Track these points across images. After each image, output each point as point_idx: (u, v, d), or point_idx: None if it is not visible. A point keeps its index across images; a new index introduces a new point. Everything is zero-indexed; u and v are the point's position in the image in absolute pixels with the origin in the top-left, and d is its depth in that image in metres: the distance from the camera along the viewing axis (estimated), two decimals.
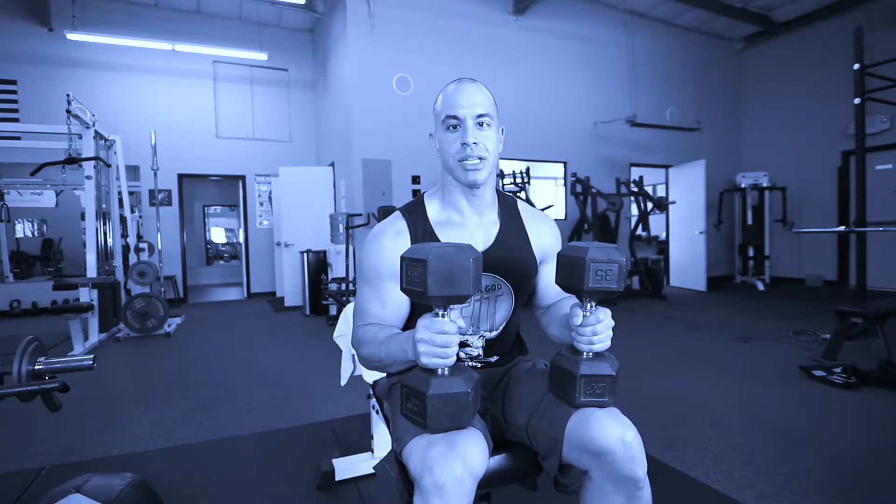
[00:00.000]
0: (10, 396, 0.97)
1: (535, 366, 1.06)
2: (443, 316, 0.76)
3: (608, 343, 0.83)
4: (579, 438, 0.81)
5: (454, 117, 0.92)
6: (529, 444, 0.96)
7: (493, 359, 1.05)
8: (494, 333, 1.03)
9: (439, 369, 0.76)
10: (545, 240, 1.07)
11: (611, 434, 0.78)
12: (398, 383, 0.88)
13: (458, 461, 0.73)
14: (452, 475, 0.71)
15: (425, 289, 0.72)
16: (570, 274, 0.81)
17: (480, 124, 0.93)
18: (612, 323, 0.83)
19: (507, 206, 1.07)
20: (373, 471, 1.75)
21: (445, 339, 0.74)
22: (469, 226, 1.01)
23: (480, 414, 0.99)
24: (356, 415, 2.38)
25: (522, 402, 0.97)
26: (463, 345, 1.02)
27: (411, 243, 0.97)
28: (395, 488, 0.86)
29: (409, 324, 1.01)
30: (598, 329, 0.81)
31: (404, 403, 0.79)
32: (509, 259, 1.01)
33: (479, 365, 1.04)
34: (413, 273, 0.74)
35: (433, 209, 1.03)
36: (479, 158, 0.93)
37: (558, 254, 0.84)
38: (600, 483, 0.82)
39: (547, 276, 1.06)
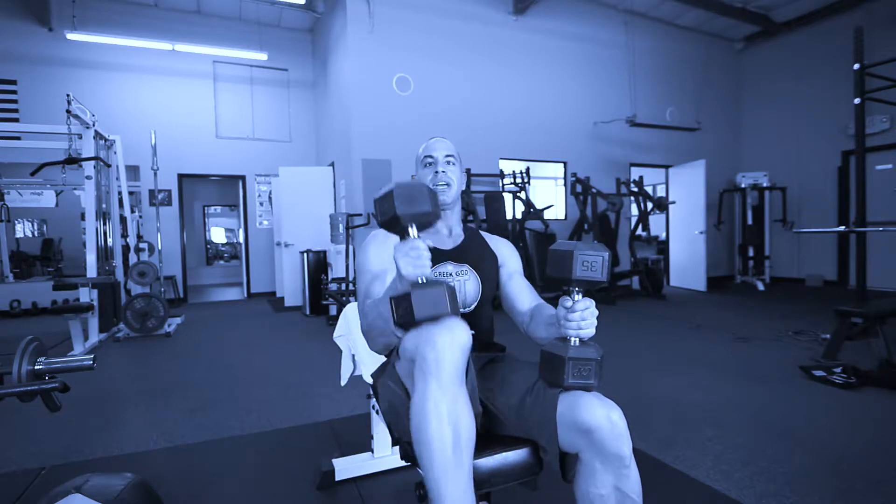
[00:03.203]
0: (10, 396, 0.97)
1: (524, 361, 1.18)
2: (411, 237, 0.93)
3: (593, 330, 0.94)
4: (569, 420, 0.90)
5: (430, 156, 1.26)
6: (522, 429, 1.00)
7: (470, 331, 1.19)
8: (468, 309, 1.22)
9: (419, 279, 0.89)
10: (503, 250, 1.35)
11: (597, 413, 0.88)
12: (390, 365, 1.07)
13: (448, 333, 0.85)
14: (443, 340, 0.84)
15: (394, 210, 0.89)
16: (560, 266, 0.92)
17: (448, 162, 1.25)
18: (597, 312, 0.95)
19: (471, 230, 1.37)
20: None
21: (417, 252, 0.90)
22: (441, 233, 1.29)
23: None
24: (356, 415, 2.38)
25: (514, 386, 1.05)
26: None
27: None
28: (395, 398, 0.98)
29: None
30: (585, 315, 0.93)
31: (395, 313, 0.89)
32: (472, 253, 1.28)
33: None
34: (385, 205, 0.90)
35: None
36: (447, 184, 1.24)
37: (549, 248, 0.96)
38: (590, 463, 0.90)
39: (516, 281, 1.29)
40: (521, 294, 1.26)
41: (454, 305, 0.89)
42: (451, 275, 1.22)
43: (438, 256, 1.22)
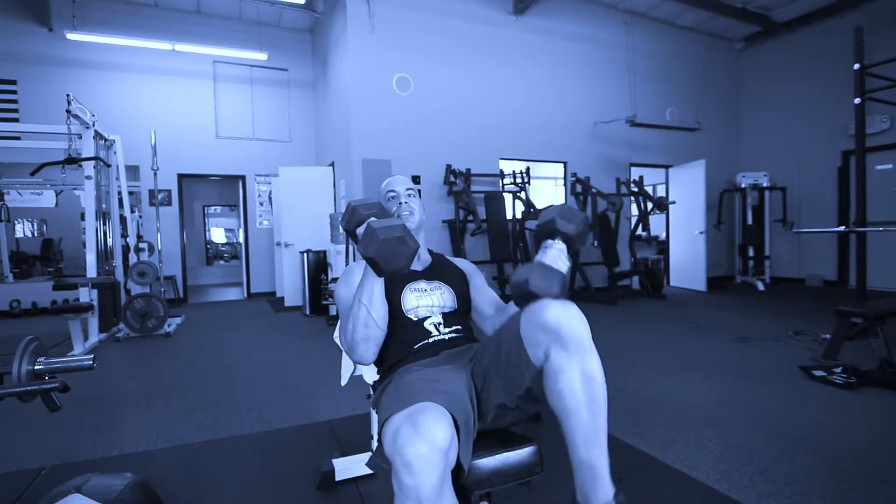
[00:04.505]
0: (10, 396, 0.97)
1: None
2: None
3: (564, 268, 1.16)
4: (530, 327, 1.01)
5: (393, 191, 1.43)
6: (502, 371, 1.06)
7: (453, 327, 1.33)
8: (448, 309, 1.36)
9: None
10: (467, 267, 1.52)
11: (554, 308, 0.99)
12: (388, 385, 1.19)
13: (423, 442, 0.83)
14: (418, 454, 0.82)
15: (358, 212, 1.18)
16: (548, 216, 1.21)
17: (409, 194, 1.43)
18: (567, 261, 1.19)
19: (436, 254, 1.54)
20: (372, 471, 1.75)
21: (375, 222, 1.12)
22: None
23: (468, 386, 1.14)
24: (356, 415, 2.38)
25: (489, 344, 1.15)
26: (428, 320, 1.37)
27: None
28: (387, 477, 0.95)
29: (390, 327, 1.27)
30: (557, 252, 1.19)
31: (360, 247, 1.04)
32: (442, 271, 1.44)
33: (446, 337, 1.33)
34: (348, 214, 1.20)
35: None
36: (410, 212, 1.39)
37: (541, 209, 1.28)
38: (556, 358, 0.98)
39: (483, 293, 1.45)
40: (487, 300, 1.43)
41: (409, 236, 1.03)
42: (425, 290, 1.35)
43: (411, 275, 1.36)
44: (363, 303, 1.13)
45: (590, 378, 0.97)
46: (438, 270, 1.43)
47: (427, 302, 1.33)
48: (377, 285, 1.14)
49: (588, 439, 0.96)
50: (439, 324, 1.31)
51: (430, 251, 1.54)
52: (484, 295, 1.44)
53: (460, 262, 1.54)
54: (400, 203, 1.41)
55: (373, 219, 1.15)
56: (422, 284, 1.36)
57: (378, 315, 1.15)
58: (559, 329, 0.97)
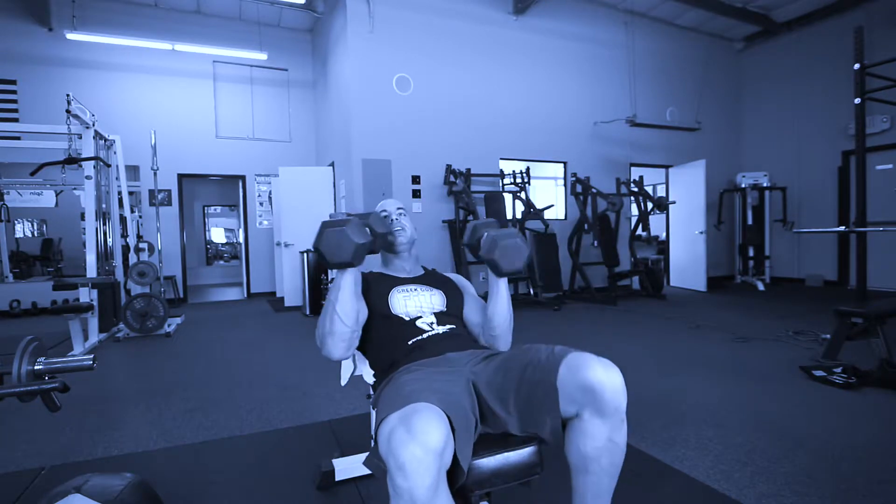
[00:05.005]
0: (10, 396, 0.97)
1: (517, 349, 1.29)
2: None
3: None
4: (570, 382, 0.99)
5: (385, 210, 1.52)
6: (523, 408, 1.04)
7: (447, 326, 1.35)
8: (438, 309, 1.39)
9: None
10: (459, 280, 1.58)
11: (599, 371, 0.98)
12: (386, 384, 1.19)
13: (416, 445, 0.82)
14: (411, 456, 0.81)
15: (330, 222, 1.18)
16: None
17: (400, 213, 1.52)
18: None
19: (429, 269, 1.60)
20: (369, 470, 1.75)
21: None
22: (404, 270, 1.51)
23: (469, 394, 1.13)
24: (356, 415, 2.38)
25: (510, 363, 1.13)
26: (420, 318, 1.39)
27: (363, 282, 1.40)
28: (383, 476, 0.95)
29: (367, 335, 1.34)
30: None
31: (315, 246, 1.10)
32: (434, 278, 1.51)
33: (441, 331, 1.34)
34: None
35: (377, 267, 1.56)
36: (402, 228, 1.48)
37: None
38: (589, 419, 0.99)
39: (472, 301, 1.49)
40: (476, 310, 1.46)
41: (357, 232, 1.07)
42: (414, 290, 1.40)
43: (400, 280, 1.44)
44: (331, 298, 1.19)
45: (616, 446, 1.00)
46: (430, 278, 1.50)
47: (416, 302, 1.37)
48: (344, 282, 1.17)
49: (598, 499, 1.03)
50: (432, 322, 1.33)
51: (423, 268, 1.60)
52: (473, 304, 1.48)
53: (452, 276, 1.60)
54: (392, 220, 1.50)
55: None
56: (410, 286, 1.42)
57: (343, 310, 1.17)
58: (602, 393, 0.96)
